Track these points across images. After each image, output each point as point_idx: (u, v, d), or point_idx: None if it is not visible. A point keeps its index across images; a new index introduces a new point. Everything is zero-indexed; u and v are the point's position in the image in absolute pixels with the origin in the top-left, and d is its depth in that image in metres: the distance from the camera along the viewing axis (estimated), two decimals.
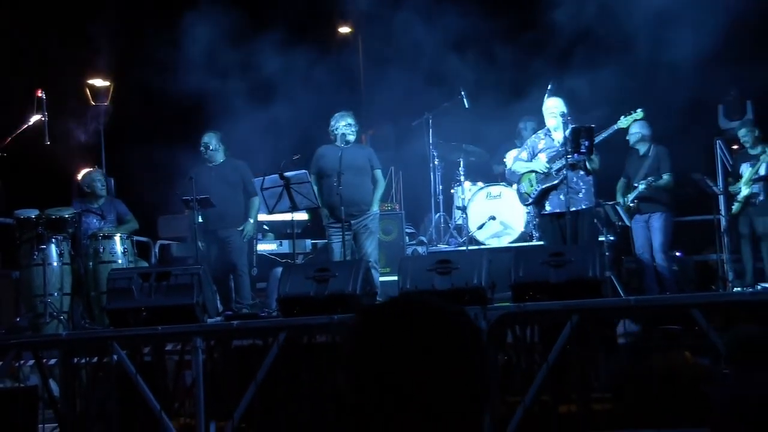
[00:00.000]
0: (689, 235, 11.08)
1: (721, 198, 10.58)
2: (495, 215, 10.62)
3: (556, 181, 8.86)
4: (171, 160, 10.51)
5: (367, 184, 9.50)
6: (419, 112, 11.38)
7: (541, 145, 9.12)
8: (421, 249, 11.00)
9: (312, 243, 11.40)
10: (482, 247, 10.31)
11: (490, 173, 11.55)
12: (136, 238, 9.89)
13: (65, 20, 12.91)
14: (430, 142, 11.26)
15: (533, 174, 9.07)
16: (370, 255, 9.21)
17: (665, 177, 9.87)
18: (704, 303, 7.00)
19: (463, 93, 11.13)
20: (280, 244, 11.24)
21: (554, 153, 8.94)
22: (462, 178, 11.10)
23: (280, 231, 11.43)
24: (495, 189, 10.81)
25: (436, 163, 11.28)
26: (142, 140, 12.28)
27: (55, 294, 8.83)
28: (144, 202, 10.98)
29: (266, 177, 9.34)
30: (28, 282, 8.88)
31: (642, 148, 10.08)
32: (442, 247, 10.78)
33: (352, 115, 9.69)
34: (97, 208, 9.70)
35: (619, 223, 10.01)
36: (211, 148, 9.85)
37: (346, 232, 9.26)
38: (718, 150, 11.07)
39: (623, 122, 9.12)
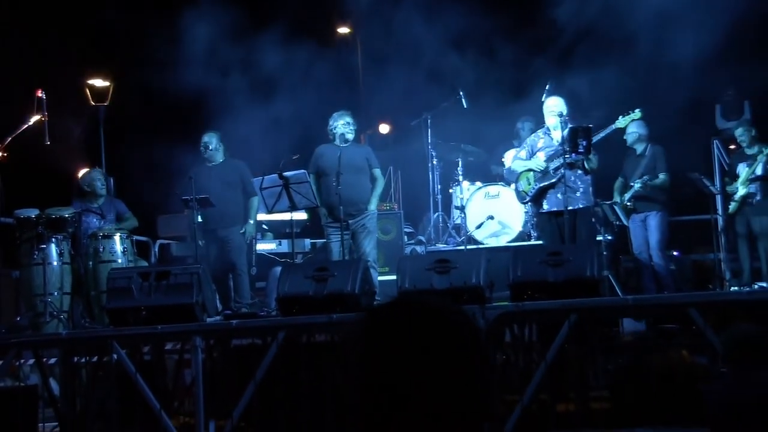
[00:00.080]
0: (686, 234, 11.11)
1: (718, 198, 10.61)
2: (493, 215, 10.65)
3: (553, 180, 8.88)
4: (170, 160, 10.53)
5: (365, 183, 9.52)
6: (418, 112, 11.41)
7: (540, 144, 9.15)
8: (419, 248, 11.02)
9: (311, 242, 11.41)
10: (480, 246, 10.33)
11: (489, 173, 11.57)
12: (135, 237, 9.90)
13: (65, 20, 12.92)
14: (429, 142, 11.29)
15: (531, 172, 9.10)
16: (368, 254, 9.23)
17: (661, 176, 9.89)
18: (701, 302, 7.03)
19: (461, 93, 11.16)
20: (279, 244, 11.26)
21: (552, 152, 8.97)
22: (460, 177, 11.14)
23: (279, 230, 11.45)
24: (493, 189, 10.84)
25: (434, 162, 11.31)
26: (142, 140, 12.30)
27: (55, 293, 8.86)
28: (143, 202, 11.00)
29: (265, 177, 9.36)
30: (29, 281, 8.90)
31: (639, 148, 10.11)
32: (441, 246, 10.81)
33: (351, 114, 9.71)
34: (97, 207, 9.72)
35: (617, 223, 10.03)
36: (210, 147, 9.86)
37: (345, 232, 9.29)
38: (715, 150, 11.11)
39: (621, 122, 9.14)
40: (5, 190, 8.86)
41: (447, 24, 11.03)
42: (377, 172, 9.62)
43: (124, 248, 9.27)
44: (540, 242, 9.73)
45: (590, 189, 8.92)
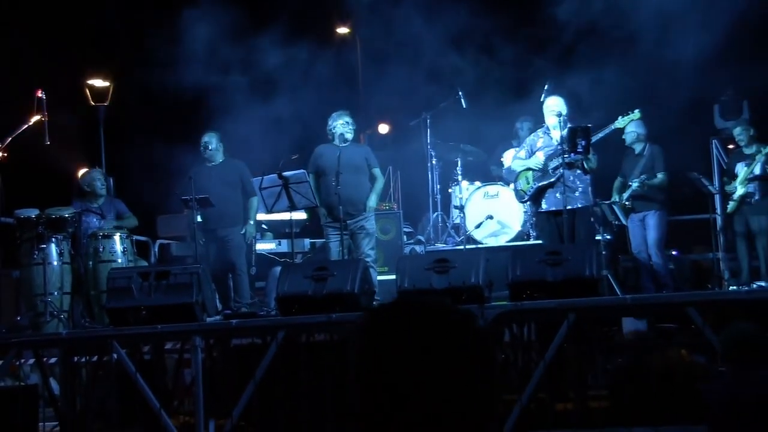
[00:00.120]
0: (685, 234, 11.12)
1: (717, 197, 10.64)
2: (492, 214, 10.67)
3: (552, 179, 8.89)
4: (170, 160, 10.54)
5: (364, 183, 9.52)
6: (417, 112, 11.43)
7: (539, 144, 9.16)
8: (418, 248, 11.04)
9: (310, 242, 11.43)
10: (480, 246, 10.34)
11: (488, 173, 11.58)
12: (135, 237, 9.91)
13: (65, 20, 12.93)
14: (428, 141, 11.30)
15: (530, 172, 9.11)
16: (367, 255, 9.23)
17: (659, 176, 9.91)
18: (700, 301, 7.05)
19: (460, 93, 11.17)
20: (279, 244, 11.28)
21: (552, 151, 8.99)
22: (459, 177, 11.15)
23: (278, 230, 11.47)
24: (492, 188, 10.85)
25: (434, 162, 11.32)
26: (142, 140, 12.31)
27: (56, 293, 8.86)
28: (143, 202, 11.00)
29: (265, 176, 9.36)
30: (29, 281, 8.91)
31: (637, 148, 10.13)
32: (440, 246, 10.82)
33: (350, 114, 9.72)
34: (96, 207, 9.73)
35: (616, 222, 10.05)
36: (210, 147, 9.88)
37: (344, 232, 9.30)
38: (714, 150, 11.13)
39: (620, 122, 9.15)
40: (5, 190, 8.87)
41: (446, 24, 11.04)
42: (377, 171, 9.62)
43: (124, 248, 9.28)
44: (539, 242, 9.75)
45: (589, 189, 8.93)
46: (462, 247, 10.31)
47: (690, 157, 10.66)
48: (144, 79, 11.83)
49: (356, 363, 1.62)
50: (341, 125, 9.55)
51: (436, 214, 11.26)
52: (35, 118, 9.11)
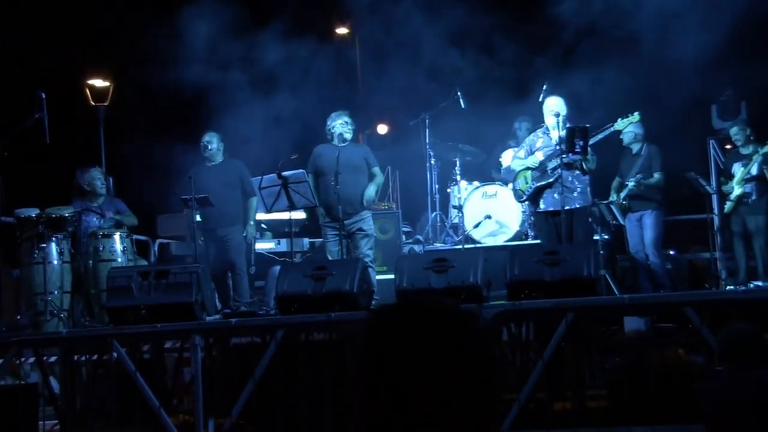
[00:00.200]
0: (683, 233, 11.14)
1: (714, 197, 10.67)
2: (491, 214, 10.69)
3: (550, 180, 8.92)
4: (170, 160, 10.55)
5: (364, 183, 9.52)
6: (416, 112, 11.44)
7: (538, 144, 9.18)
8: (417, 248, 11.06)
9: (310, 242, 11.45)
10: (478, 245, 10.36)
11: (486, 173, 11.60)
12: (135, 236, 9.93)
13: (65, 20, 12.94)
14: (427, 141, 11.32)
15: (529, 171, 9.14)
16: (366, 255, 9.24)
17: (656, 176, 9.94)
18: (698, 301, 7.07)
19: (459, 93, 11.18)
20: (278, 243, 11.31)
21: (551, 152, 9.01)
22: (458, 177, 11.16)
23: (278, 230, 11.50)
24: (491, 188, 10.88)
25: (432, 162, 11.33)
26: (142, 139, 12.33)
27: (56, 292, 8.89)
28: (143, 201, 11.02)
29: (264, 176, 9.38)
30: (29, 280, 8.93)
31: (635, 147, 10.15)
32: (439, 245, 10.84)
33: (349, 114, 9.73)
34: (96, 206, 9.74)
35: (614, 222, 10.08)
36: (210, 147, 9.90)
37: (342, 232, 9.31)
38: (712, 150, 11.16)
39: (620, 124, 9.17)
40: (5, 189, 8.89)
41: (446, 23, 11.06)
42: (376, 170, 9.62)
43: (123, 247, 9.30)
44: (537, 241, 9.77)
45: (588, 189, 8.95)
46: (460, 246, 10.32)
47: (687, 157, 10.67)
48: (144, 79, 11.83)
49: (359, 363, 1.64)
50: (340, 125, 9.57)
51: (434, 213, 11.27)
52: (35, 118, 9.13)
